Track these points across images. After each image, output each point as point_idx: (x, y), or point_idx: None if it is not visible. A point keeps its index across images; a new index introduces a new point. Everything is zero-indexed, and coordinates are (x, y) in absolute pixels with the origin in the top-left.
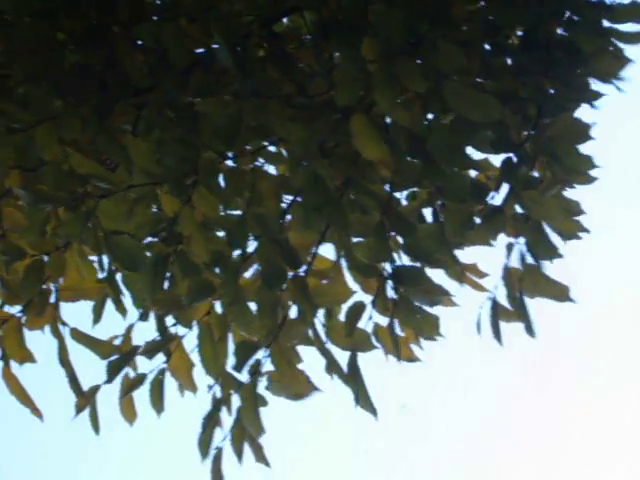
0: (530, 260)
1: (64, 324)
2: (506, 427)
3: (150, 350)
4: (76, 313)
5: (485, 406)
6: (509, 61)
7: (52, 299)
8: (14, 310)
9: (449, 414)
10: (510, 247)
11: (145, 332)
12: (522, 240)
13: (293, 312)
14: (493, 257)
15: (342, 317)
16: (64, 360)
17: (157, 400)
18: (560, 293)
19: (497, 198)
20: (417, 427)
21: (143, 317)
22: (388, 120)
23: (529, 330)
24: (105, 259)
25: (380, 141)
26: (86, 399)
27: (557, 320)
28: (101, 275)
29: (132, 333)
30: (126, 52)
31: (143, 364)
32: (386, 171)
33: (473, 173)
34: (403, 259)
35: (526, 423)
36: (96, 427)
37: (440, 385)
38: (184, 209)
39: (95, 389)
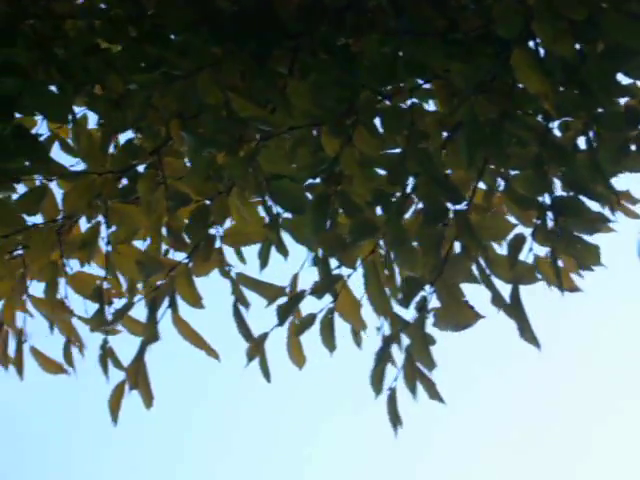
0: None
1: (230, 267)
2: None
3: (318, 291)
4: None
5: None
6: None
7: (217, 244)
8: (181, 257)
9: None
10: None
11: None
12: None
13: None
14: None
15: (500, 250)
16: (239, 298)
17: (329, 339)
18: None
19: None
20: None
21: (315, 262)
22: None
23: None
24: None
25: (541, 74)
26: (257, 347)
27: None
28: (265, 218)
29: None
30: None
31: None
32: (545, 103)
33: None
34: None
35: None
36: (267, 374)
37: None
38: (345, 149)
39: (264, 336)
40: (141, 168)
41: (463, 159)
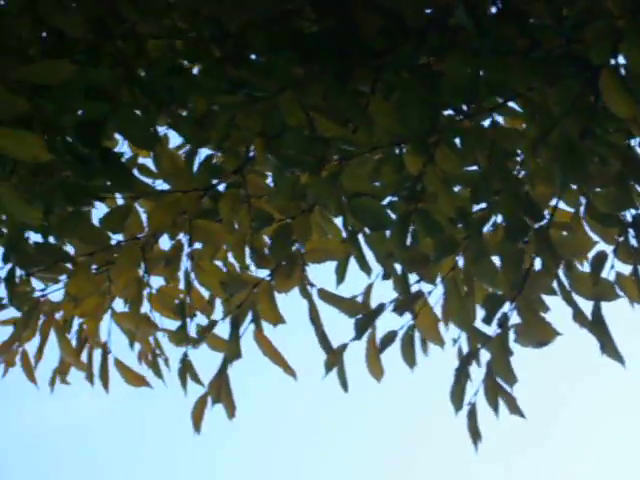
0: None
1: (311, 285)
2: None
3: (399, 307)
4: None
5: None
6: None
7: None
8: (263, 274)
9: None
10: None
11: (382, 290)
12: None
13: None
14: None
15: (582, 267)
16: (315, 319)
17: (409, 355)
18: None
19: None
20: None
21: (386, 276)
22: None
23: None
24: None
25: (629, 97)
26: (335, 357)
27: None
28: (344, 235)
29: (372, 292)
30: (362, 16)
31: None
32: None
33: None
34: None
35: None
36: (344, 385)
37: None
38: (428, 167)
39: (343, 347)
40: (221, 187)
41: (558, 184)
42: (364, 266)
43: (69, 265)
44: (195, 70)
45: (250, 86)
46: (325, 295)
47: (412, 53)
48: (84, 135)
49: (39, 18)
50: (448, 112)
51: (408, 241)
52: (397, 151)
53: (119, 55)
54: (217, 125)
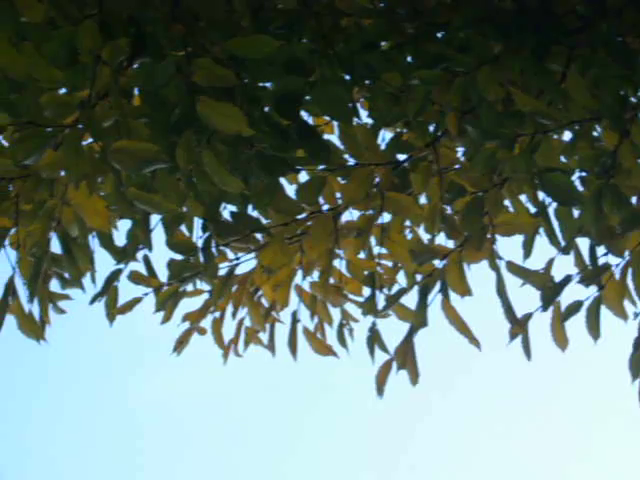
0: None
1: (499, 258)
2: None
3: (587, 279)
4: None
5: None
6: None
7: (489, 234)
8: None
9: None
10: None
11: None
12: None
13: None
14: None
15: None
16: (501, 291)
17: (594, 327)
18: None
19: None
20: None
21: (566, 250)
22: None
23: None
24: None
25: None
26: (520, 326)
27: None
28: (533, 210)
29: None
30: None
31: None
32: None
33: None
34: None
35: None
36: (528, 353)
37: None
38: (624, 143)
39: (528, 317)
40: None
41: None
42: (554, 241)
43: (261, 236)
44: (388, 47)
45: (449, 61)
46: (513, 267)
47: (609, 31)
48: (283, 107)
49: None
50: None
51: None
52: (592, 126)
53: (319, 30)
54: (416, 99)
